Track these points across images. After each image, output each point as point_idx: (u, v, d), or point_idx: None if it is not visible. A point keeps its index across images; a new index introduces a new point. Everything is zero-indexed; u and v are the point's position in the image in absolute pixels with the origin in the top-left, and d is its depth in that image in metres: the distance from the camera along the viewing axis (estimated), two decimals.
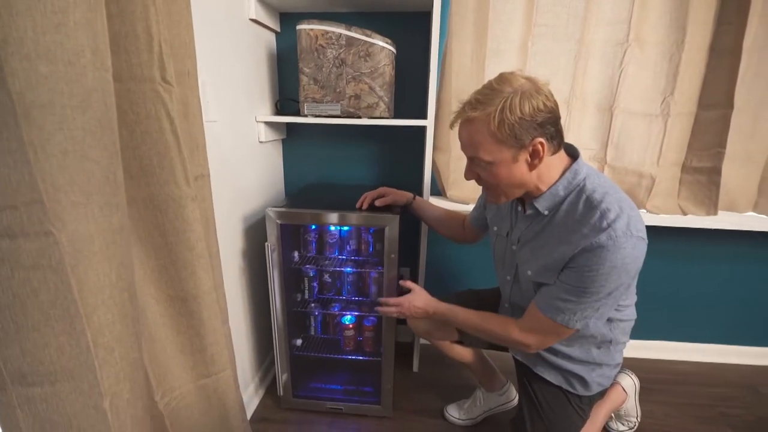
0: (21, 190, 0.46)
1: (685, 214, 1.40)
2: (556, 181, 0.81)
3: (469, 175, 0.84)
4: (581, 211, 0.77)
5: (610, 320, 0.90)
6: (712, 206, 1.37)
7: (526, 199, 0.86)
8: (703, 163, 1.36)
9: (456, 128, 0.82)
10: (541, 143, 0.74)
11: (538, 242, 0.86)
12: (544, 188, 0.81)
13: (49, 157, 0.47)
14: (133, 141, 0.68)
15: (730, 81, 1.26)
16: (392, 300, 1.04)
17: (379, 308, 1.05)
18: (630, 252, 0.72)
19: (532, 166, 0.77)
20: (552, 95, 0.75)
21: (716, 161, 1.32)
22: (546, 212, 0.83)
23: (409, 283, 1.06)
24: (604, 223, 0.73)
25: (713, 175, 1.34)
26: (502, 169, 0.77)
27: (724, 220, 1.37)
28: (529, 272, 0.87)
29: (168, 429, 0.83)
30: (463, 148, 0.82)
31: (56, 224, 0.48)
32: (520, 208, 0.91)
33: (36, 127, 0.45)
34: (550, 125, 0.74)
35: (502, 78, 0.75)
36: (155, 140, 0.68)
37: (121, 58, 0.63)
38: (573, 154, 0.84)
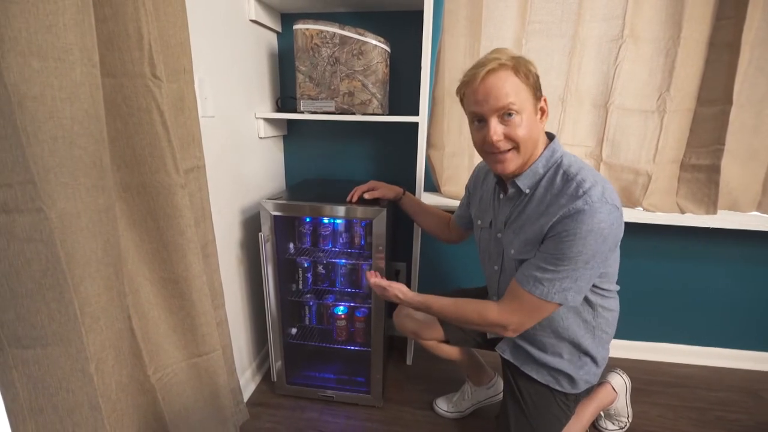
0: (15, 171, 0.52)
1: (683, 212, 1.38)
2: (536, 159, 0.85)
3: (495, 135, 0.80)
4: (558, 185, 0.81)
5: (593, 306, 0.91)
6: (711, 205, 1.34)
7: (508, 179, 0.89)
8: (702, 161, 1.33)
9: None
10: (545, 100, 0.82)
11: (520, 221, 0.88)
12: (530, 161, 0.85)
13: (40, 142, 0.53)
14: (127, 132, 0.74)
15: (729, 76, 1.23)
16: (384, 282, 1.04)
17: (368, 275, 1.07)
18: (605, 217, 0.74)
19: (541, 123, 0.84)
20: None
21: (715, 158, 1.30)
22: (527, 191, 0.86)
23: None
24: (580, 191, 0.76)
25: (712, 172, 1.32)
26: (527, 119, 0.79)
27: (724, 219, 1.34)
28: (512, 251, 0.89)
29: (160, 402, 0.89)
30: (493, 99, 0.78)
31: (46, 202, 0.54)
32: (501, 195, 0.94)
33: (29, 116, 0.51)
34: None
35: (500, 48, 0.81)
36: (146, 131, 0.74)
37: (115, 56, 0.69)
38: (550, 136, 0.89)
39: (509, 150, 0.82)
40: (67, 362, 0.60)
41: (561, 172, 0.82)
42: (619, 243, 0.83)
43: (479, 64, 0.79)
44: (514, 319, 0.85)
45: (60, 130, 0.54)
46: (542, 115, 0.83)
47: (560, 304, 0.82)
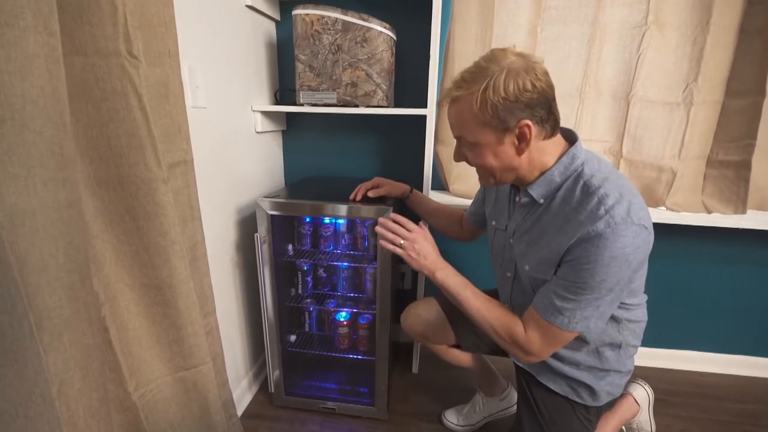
0: None
1: (709, 212, 1.29)
2: (552, 166, 0.75)
3: (457, 156, 0.81)
4: (578, 198, 0.71)
5: (618, 321, 0.83)
6: (740, 204, 1.25)
7: (521, 186, 0.80)
8: (731, 156, 1.24)
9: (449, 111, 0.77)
10: (528, 126, 0.68)
11: (534, 234, 0.79)
12: (537, 174, 0.76)
13: None
14: (101, 118, 0.65)
15: (761, 66, 1.14)
16: (401, 219, 0.88)
17: (377, 228, 0.89)
18: (631, 240, 0.65)
19: (519, 150, 0.72)
20: (546, 75, 0.69)
21: (745, 154, 1.21)
22: (542, 200, 0.77)
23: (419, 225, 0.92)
24: (602, 210, 0.66)
25: (742, 169, 1.23)
26: (487, 152, 0.73)
27: (754, 219, 1.25)
28: (527, 267, 0.81)
29: (143, 421, 0.81)
30: (450, 127, 0.78)
31: None
32: (517, 198, 0.85)
33: None
34: (539, 107, 0.68)
35: (492, 55, 0.70)
36: (123, 118, 0.66)
37: (85, 31, 0.60)
38: (571, 138, 0.78)
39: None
40: (23, 385, 0.51)
41: (581, 183, 0.72)
42: (647, 258, 0.74)
43: (452, 81, 0.74)
44: (534, 346, 0.77)
45: (8, 110, 0.45)
46: (522, 141, 0.70)
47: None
